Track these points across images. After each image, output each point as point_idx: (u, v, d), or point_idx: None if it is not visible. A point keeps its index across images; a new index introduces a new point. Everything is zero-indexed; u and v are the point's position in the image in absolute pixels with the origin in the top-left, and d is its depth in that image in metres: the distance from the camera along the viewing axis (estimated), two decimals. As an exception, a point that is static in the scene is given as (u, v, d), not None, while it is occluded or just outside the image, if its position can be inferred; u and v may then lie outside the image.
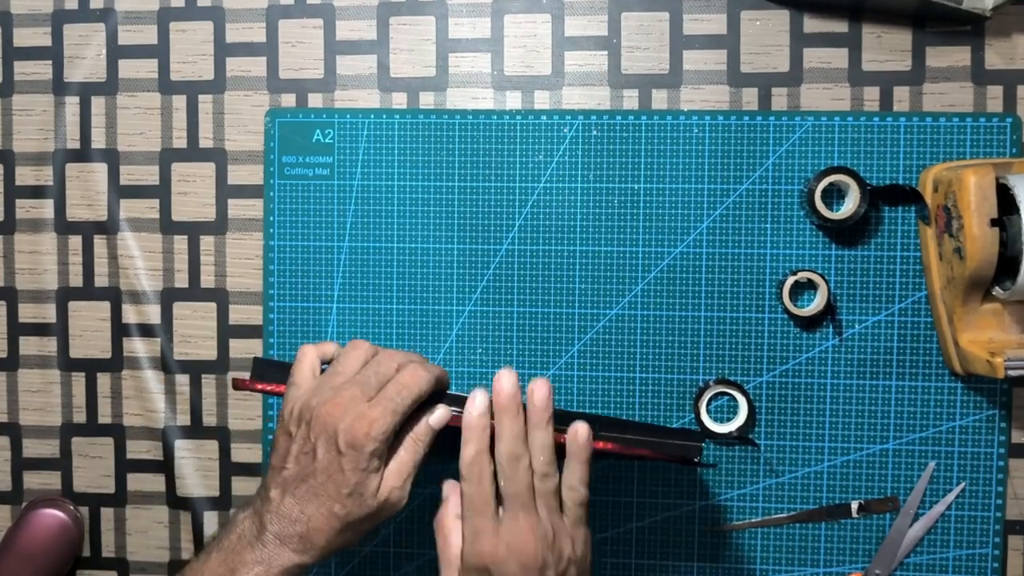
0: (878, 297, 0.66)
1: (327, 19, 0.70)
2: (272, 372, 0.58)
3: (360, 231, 0.69)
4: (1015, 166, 0.60)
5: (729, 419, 0.67)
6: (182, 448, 0.71)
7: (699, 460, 0.54)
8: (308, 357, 0.55)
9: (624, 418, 0.55)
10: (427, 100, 0.69)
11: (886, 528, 0.66)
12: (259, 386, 0.57)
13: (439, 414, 0.53)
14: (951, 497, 0.65)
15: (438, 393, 0.53)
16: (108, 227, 0.72)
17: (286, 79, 0.70)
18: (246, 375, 0.71)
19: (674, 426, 0.67)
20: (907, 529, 0.65)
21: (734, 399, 0.67)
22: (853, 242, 0.66)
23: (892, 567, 0.65)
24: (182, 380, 0.71)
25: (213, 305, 0.71)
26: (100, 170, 0.72)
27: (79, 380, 0.72)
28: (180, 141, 0.71)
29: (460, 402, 0.53)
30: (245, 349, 0.71)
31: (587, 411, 0.68)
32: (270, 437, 0.70)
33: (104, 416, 0.72)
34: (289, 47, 0.70)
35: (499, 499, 0.50)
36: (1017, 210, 0.57)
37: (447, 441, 0.53)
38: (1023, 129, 0.65)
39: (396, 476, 0.51)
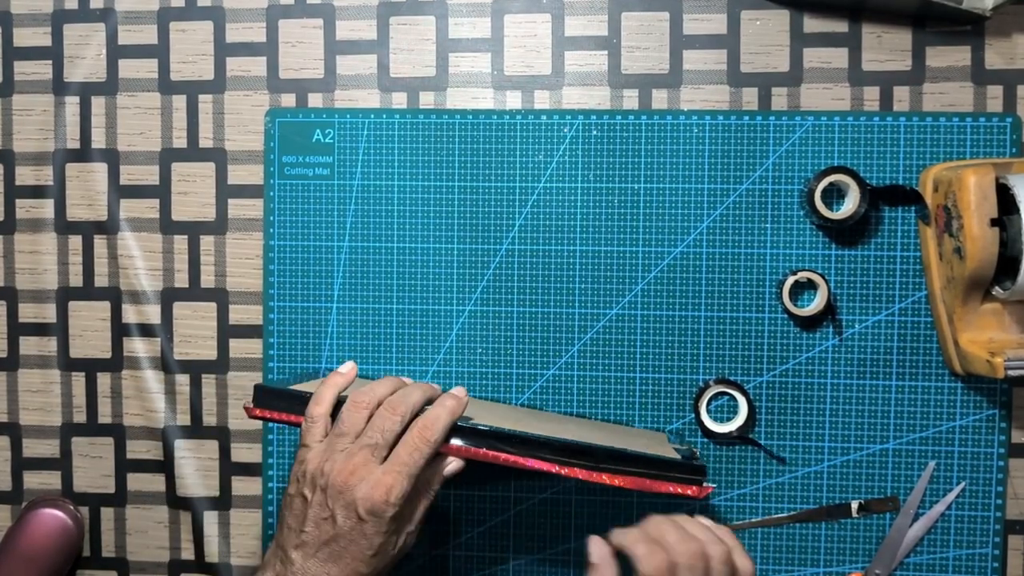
0: (878, 297, 0.66)
1: (327, 19, 0.70)
2: (273, 400, 0.58)
3: (360, 231, 0.69)
4: (1015, 166, 0.60)
5: (729, 419, 0.67)
6: (182, 448, 0.71)
7: (701, 487, 0.54)
8: (320, 418, 0.55)
9: (621, 449, 0.55)
10: (427, 100, 0.69)
11: (886, 528, 0.66)
12: (257, 413, 0.58)
13: (454, 466, 0.55)
14: (951, 497, 0.65)
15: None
16: (108, 227, 0.72)
17: (286, 79, 0.70)
18: (247, 374, 0.71)
19: (673, 426, 0.67)
20: (907, 529, 0.65)
21: (734, 399, 0.67)
22: (853, 242, 0.66)
23: (892, 567, 0.65)
24: (182, 380, 0.71)
25: (213, 305, 0.71)
26: (100, 170, 0.72)
27: (79, 380, 0.72)
28: (180, 141, 0.71)
29: (472, 435, 0.55)
30: (245, 349, 0.71)
31: (584, 412, 0.68)
32: (270, 437, 0.70)
33: (104, 416, 0.72)
34: (289, 47, 0.70)
35: None
36: (1017, 210, 0.57)
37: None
38: (1023, 129, 0.65)
39: (411, 522, 0.53)
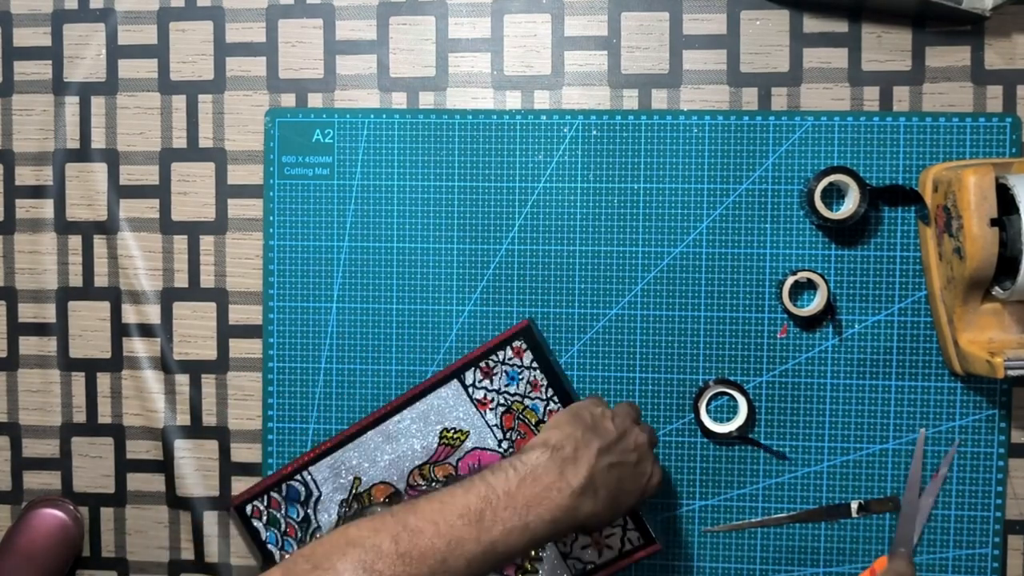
0: (878, 297, 0.66)
1: (327, 19, 0.70)
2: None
3: (360, 231, 0.69)
4: (1015, 166, 0.60)
5: (729, 419, 0.67)
6: (182, 448, 0.71)
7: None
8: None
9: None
10: (427, 100, 0.69)
11: (886, 528, 0.66)
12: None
13: None
14: (950, 457, 0.65)
15: None
16: (108, 227, 0.72)
17: (286, 79, 0.70)
18: (247, 374, 0.71)
19: (673, 426, 0.67)
20: (917, 500, 0.65)
21: (734, 399, 0.67)
22: (853, 242, 0.66)
23: (914, 541, 0.65)
24: (182, 380, 0.71)
25: (213, 305, 0.71)
26: (100, 170, 0.72)
27: (79, 380, 0.72)
28: (180, 141, 0.71)
29: None
30: (245, 349, 0.71)
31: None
32: (270, 437, 0.70)
33: (104, 416, 0.72)
34: (289, 47, 0.70)
35: None
36: (1017, 210, 0.57)
37: None
38: (1023, 129, 0.65)
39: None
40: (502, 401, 0.64)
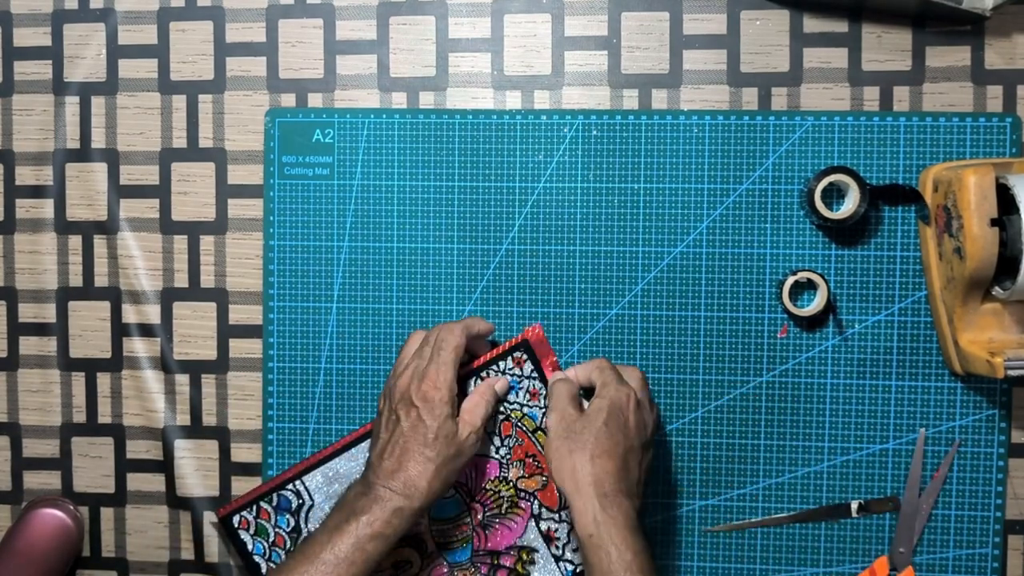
0: (878, 297, 0.66)
1: (327, 19, 0.70)
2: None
3: (360, 231, 0.69)
4: (1015, 166, 0.60)
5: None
6: (182, 448, 0.71)
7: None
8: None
9: None
10: (427, 100, 0.69)
11: (886, 528, 0.66)
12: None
13: (502, 383, 0.63)
14: (950, 458, 0.65)
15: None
16: (108, 227, 0.72)
17: (286, 79, 0.70)
18: (247, 374, 0.71)
19: (673, 426, 0.67)
20: (917, 500, 0.65)
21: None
22: (853, 242, 0.66)
23: (914, 541, 0.65)
24: (182, 380, 0.71)
25: (213, 305, 0.71)
26: (100, 170, 0.72)
27: (79, 380, 0.72)
28: (180, 141, 0.71)
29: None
30: (245, 349, 0.71)
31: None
32: (270, 437, 0.70)
33: (104, 416, 0.72)
34: (289, 47, 0.70)
35: None
36: (1017, 210, 0.57)
37: None
38: (1023, 129, 0.65)
39: (471, 416, 0.60)
40: (501, 410, 0.63)
